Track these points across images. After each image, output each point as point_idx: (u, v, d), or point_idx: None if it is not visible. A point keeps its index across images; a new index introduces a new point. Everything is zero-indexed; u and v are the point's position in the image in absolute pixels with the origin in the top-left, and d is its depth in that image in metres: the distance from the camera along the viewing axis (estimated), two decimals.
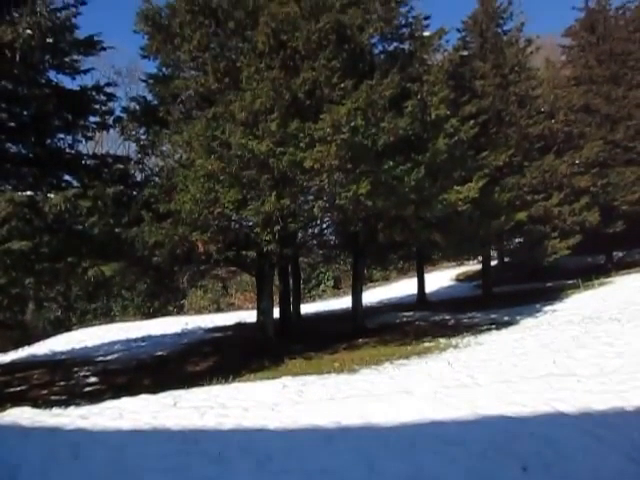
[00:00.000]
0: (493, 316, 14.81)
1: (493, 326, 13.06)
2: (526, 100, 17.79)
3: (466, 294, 22.05)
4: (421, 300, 20.33)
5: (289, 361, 11.25)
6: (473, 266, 26.68)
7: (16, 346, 17.98)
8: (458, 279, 27.38)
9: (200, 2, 10.93)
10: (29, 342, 18.37)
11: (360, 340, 12.99)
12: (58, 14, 10.42)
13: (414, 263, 21.84)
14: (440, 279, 26.63)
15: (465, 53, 17.64)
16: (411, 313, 17.07)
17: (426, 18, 13.15)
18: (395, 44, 13.10)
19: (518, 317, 13.79)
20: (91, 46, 11.39)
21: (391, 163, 10.47)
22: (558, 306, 14.77)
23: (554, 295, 16.73)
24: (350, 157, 9.83)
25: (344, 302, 20.16)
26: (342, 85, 10.17)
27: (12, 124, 11.23)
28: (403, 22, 12.89)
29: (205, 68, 10.71)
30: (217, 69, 10.43)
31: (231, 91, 10.35)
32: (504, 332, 12.00)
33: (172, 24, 11.09)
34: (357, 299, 14.93)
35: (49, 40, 9.86)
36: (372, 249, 15.29)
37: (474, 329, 12.96)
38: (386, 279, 29.83)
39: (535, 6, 60.39)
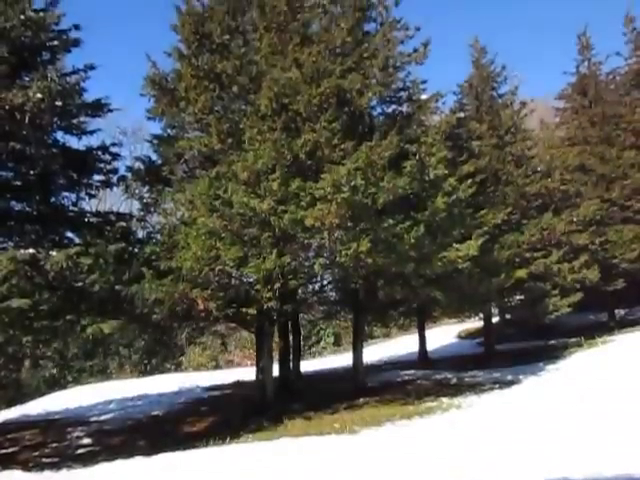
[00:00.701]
0: (496, 375, 14.56)
1: (496, 385, 12.84)
2: (522, 160, 18.15)
3: (468, 351, 21.75)
4: (423, 358, 20.01)
5: (288, 421, 11.01)
6: (475, 323, 26.41)
7: (9, 405, 17.58)
8: (460, 336, 27.06)
9: (205, 68, 11.40)
10: (23, 401, 17.97)
11: (361, 399, 12.72)
12: (68, 78, 10.86)
13: (415, 320, 21.64)
14: (441, 336, 26.31)
15: (462, 115, 18.12)
16: (413, 371, 16.80)
17: (423, 82, 13.60)
18: (394, 106, 13.54)
19: (521, 376, 13.57)
20: (98, 108, 11.78)
21: (391, 221, 10.60)
22: (561, 365, 14.57)
23: (557, 353, 16.50)
24: (350, 215, 9.98)
25: (344, 359, 19.85)
26: (342, 146, 10.45)
27: (18, 183, 11.46)
28: (401, 86, 13.36)
29: (209, 129, 11.02)
30: (221, 130, 10.74)
31: (234, 151, 10.62)
32: (507, 392, 11.80)
33: (178, 88, 11.51)
34: (358, 357, 14.72)
35: (58, 103, 10.19)
36: (373, 306, 15.21)
37: (477, 388, 12.73)
38: (387, 336, 29.49)
39: (528, 70, 62.73)
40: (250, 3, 12.58)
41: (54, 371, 22.09)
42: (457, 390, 12.87)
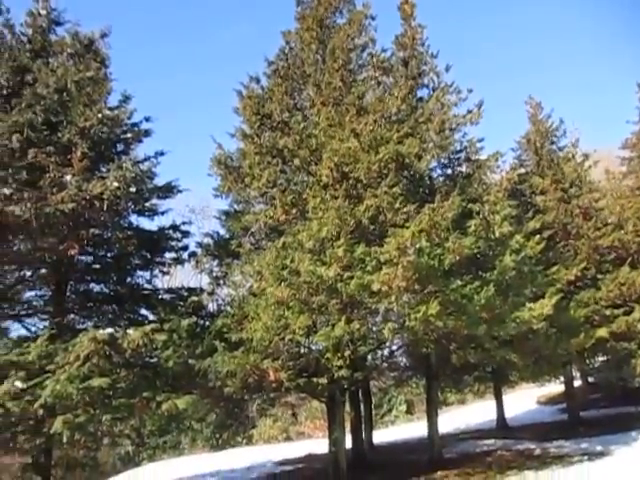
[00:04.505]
0: (584, 445, 13.48)
1: (585, 457, 11.91)
2: (591, 212, 17.55)
3: (550, 419, 20.37)
4: (501, 426, 18.94)
5: None
6: (555, 387, 24.88)
7: None
8: (540, 402, 25.50)
9: (267, 144, 11.95)
10: None
11: (439, 473, 12.07)
12: (141, 166, 11.61)
13: (491, 385, 20.64)
14: (520, 402, 24.88)
15: (522, 171, 17.96)
16: (492, 441, 15.85)
17: (480, 141, 13.68)
18: (453, 167, 13.59)
19: (612, 447, 12.53)
20: (169, 190, 12.47)
21: (459, 282, 10.39)
22: None
23: None
24: (417, 278, 9.84)
25: (418, 428, 19.07)
26: (404, 209, 10.51)
27: (96, 266, 12.12)
28: (458, 147, 13.49)
29: (274, 202, 11.42)
30: (285, 202, 11.09)
31: (298, 221, 10.89)
32: (598, 465, 10.89)
33: (242, 165, 12.10)
34: (432, 426, 14.06)
35: (132, 189, 10.81)
36: (445, 371, 14.71)
37: (564, 460, 11.85)
38: (462, 402, 28.20)
39: (589, 120, 61.79)
40: (306, 82, 13.29)
41: (130, 449, 22.31)
42: (542, 462, 12.04)
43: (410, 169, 11.56)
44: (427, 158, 11.77)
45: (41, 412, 8.70)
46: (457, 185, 11.85)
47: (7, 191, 9.69)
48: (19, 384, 8.39)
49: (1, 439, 10.53)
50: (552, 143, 18.92)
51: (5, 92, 11.24)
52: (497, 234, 11.69)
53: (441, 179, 13.33)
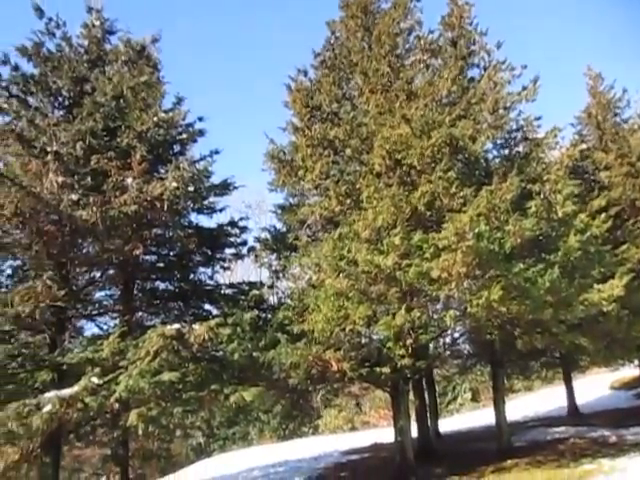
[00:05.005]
0: None
1: None
2: None
3: (625, 405, 19.51)
4: (573, 413, 18.31)
5: None
6: (630, 371, 23.84)
7: (162, 474, 18.54)
8: (613, 387, 24.45)
9: (318, 136, 11.97)
10: (174, 470, 18.86)
11: (509, 461, 11.80)
12: (197, 165, 11.90)
13: (559, 371, 19.98)
14: (592, 387, 23.96)
15: (584, 146, 17.16)
16: (563, 428, 15.35)
17: (537, 119, 13.20)
18: (509, 148, 13.18)
19: None
20: (225, 188, 12.73)
21: (522, 265, 10.07)
22: None
23: None
24: (477, 263, 9.64)
25: (484, 416, 18.72)
26: (461, 193, 10.29)
27: (160, 264, 12.55)
28: (514, 126, 13.04)
29: (328, 193, 11.45)
30: (339, 193, 11.10)
31: (353, 211, 10.88)
32: None
33: (295, 159, 12.17)
34: (500, 414, 13.77)
35: (190, 188, 11.10)
36: (511, 357, 14.35)
37: None
38: (529, 389, 27.47)
39: None
40: (353, 71, 13.22)
41: (201, 440, 23.07)
42: (619, 450, 11.55)
43: (464, 152, 11.30)
44: (482, 139, 11.45)
45: (117, 406, 9.08)
46: (515, 165, 11.47)
47: (74, 197, 10.17)
48: (95, 380, 8.79)
49: (82, 432, 11.15)
50: (615, 115, 17.99)
51: (67, 103, 11.79)
52: (560, 214, 11.27)
53: (497, 160, 12.94)
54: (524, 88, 12.68)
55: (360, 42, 13.15)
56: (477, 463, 11.84)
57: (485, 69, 13.17)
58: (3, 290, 10.73)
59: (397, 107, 11.36)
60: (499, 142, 13.06)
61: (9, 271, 11.45)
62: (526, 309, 10.13)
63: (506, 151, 13.21)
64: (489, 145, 12.63)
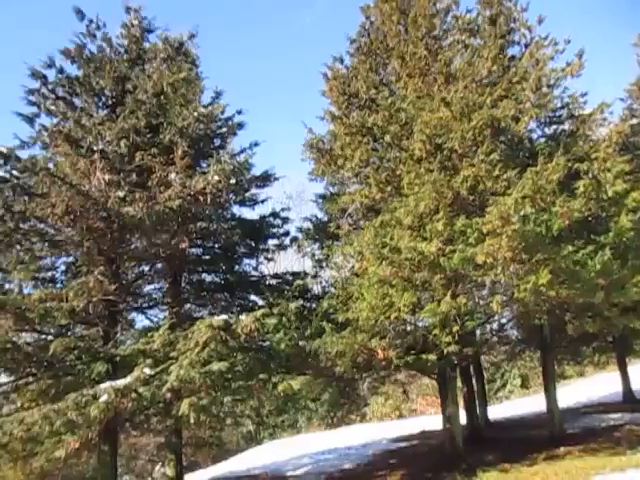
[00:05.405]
0: None
1: None
2: None
3: None
4: (628, 399, 17.72)
5: (483, 474, 10.39)
6: None
7: (214, 461, 19.04)
8: None
9: (357, 124, 11.88)
10: (225, 457, 19.33)
11: (561, 449, 11.55)
12: (237, 158, 12.03)
13: (613, 355, 19.36)
14: None
15: (634, 121, 16.48)
16: (618, 415, 14.91)
17: (583, 95, 12.72)
18: (555, 126, 12.77)
19: None
20: (266, 179, 12.86)
21: (570, 248, 9.77)
22: None
23: None
24: (524, 247, 9.40)
25: (534, 403, 18.38)
26: (505, 176, 10.05)
27: (206, 257, 12.80)
28: (559, 104, 12.61)
29: (368, 181, 11.38)
30: (379, 180, 11.01)
31: (395, 198, 10.78)
32: None
33: (334, 147, 12.13)
34: (551, 400, 13.48)
35: (232, 181, 11.24)
36: (561, 342, 14.01)
37: None
38: (581, 375, 26.78)
39: None
40: (390, 55, 13.03)
41: (251, 428, 23.55)
42: None
43: (507, 133, 11.00)
44: (525, 119, 11.10)
45: (169, 396, 9.34)
46: (560, 145, 11.10)
47: (121, 194, 10.46)
48: (147, 370, 9.05)
49: (137, 421, 11.54)
50: None
51: (110, 102, 12.11)
52: (610, 193, 10.84)
53: (542, 140, 12.55)
54: (568, 64, 12.21)
55: (396, 26, 12.93)
56: (528, 450, 11.66)
57: (526, 46, 12.75)
58: (58, 286, 11.17)
59: (436, 90, 11.17)
60: (543, 121, 12.67)
61: (63, 267, 11.90)
62: (576, 293, 9.85)
63: (551, 130, 12.82)
64: (533, 125, 12.28)
